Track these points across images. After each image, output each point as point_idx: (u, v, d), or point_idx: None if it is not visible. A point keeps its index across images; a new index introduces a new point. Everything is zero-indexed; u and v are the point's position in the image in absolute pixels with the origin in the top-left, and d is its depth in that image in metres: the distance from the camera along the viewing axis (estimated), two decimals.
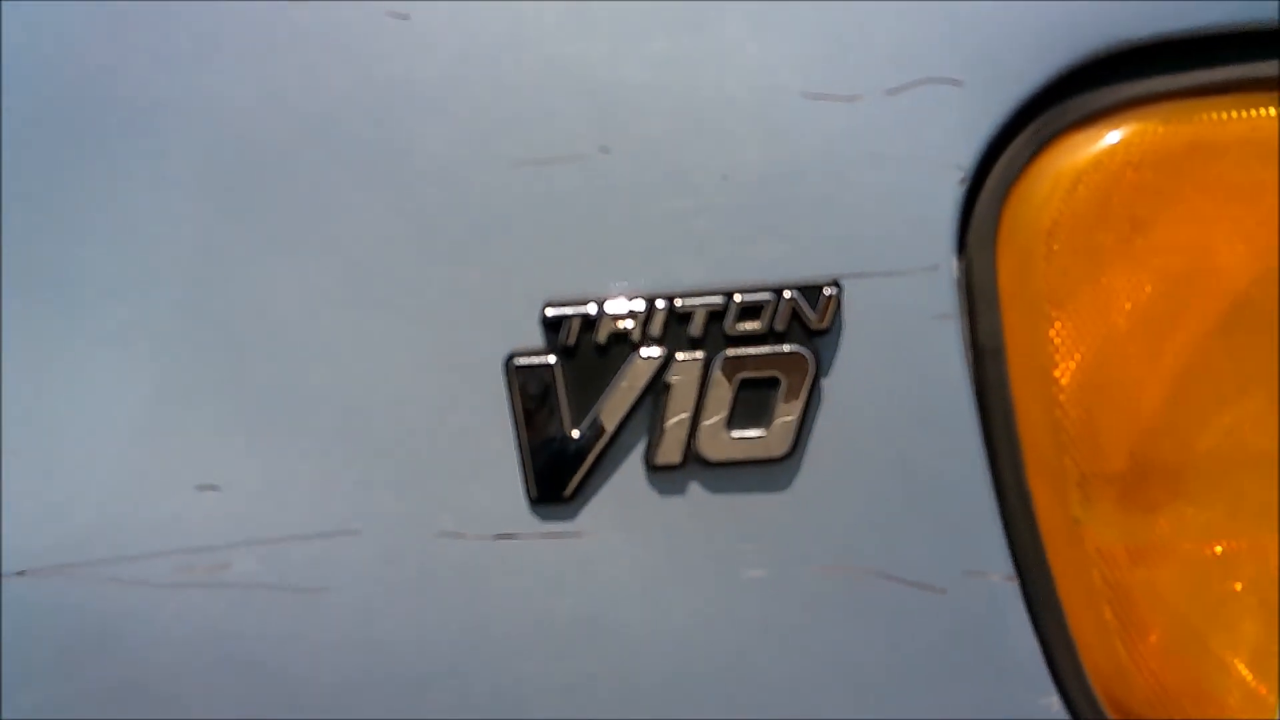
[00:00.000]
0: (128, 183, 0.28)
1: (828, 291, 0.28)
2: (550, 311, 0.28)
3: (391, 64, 0.28)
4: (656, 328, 0.28)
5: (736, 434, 0.29)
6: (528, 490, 0.29)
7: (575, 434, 0.28)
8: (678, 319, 0.28)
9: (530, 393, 0.28)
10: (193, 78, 0.28)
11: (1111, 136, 0.28)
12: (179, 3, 0.28)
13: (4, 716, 0.28)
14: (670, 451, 0.29)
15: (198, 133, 0.28)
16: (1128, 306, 0.29)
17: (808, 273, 0.28)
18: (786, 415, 0.28)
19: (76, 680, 0.28)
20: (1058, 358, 0.29)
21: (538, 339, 0.28)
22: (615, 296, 0.28)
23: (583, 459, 0.28)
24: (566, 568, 0.29)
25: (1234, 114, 0.28)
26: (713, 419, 0.28)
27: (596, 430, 0.28)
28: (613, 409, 0.28)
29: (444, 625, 0.29)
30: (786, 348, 0.28)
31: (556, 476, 0.28)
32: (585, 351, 0.28)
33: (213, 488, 0.28)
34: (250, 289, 0.28)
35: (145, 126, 0.28)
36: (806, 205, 0.28)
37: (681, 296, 0.28)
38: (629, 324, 0.28)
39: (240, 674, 0.28)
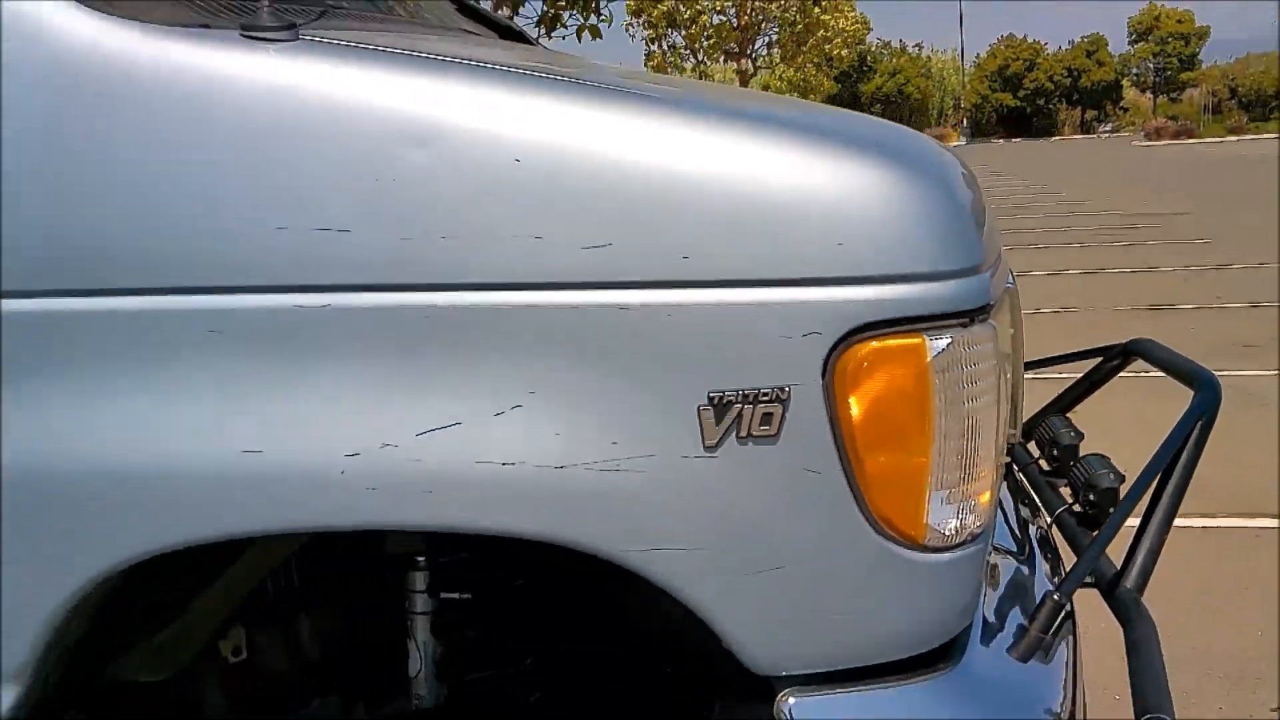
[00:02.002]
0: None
1: (785, 390, 0.98)
2: (710, 392, 0.99)
3: None
4: (740, 396, 0.99)
5: (760, 429, 0.99)
6: (703, 441, 0.99)
7: (719, 425, 0.99)
8: (745, 396, 0.99)
9: (709, 408, 0.98)
10: None
11: (864, 347, 0.99)
12: None
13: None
14: (745, 430, 0.99)
15: None
16: (877, 393, 0.99)
17: (781, 382, 0.99)
18: (776, 424, 0.99)
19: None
20: (856, 411, 0.99)
21: (697, 397, 0.99)
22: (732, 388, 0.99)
23: (720, 431, 0.99)
24: (714, 467, 1.00)
25: (901, 341, 0.99)
26: (754, 422, 0.99)
27: (726, 425, 0.99)
28: (727, 422, 0.99)
29: (687, 483, 0.99)
30: (776, 405, 0.98)
31: (710, 437, 0.99)
32: (722, 401, 0.98)
33: (614, 443, 0.99)
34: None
35: None
36: (788, 369, 0.99)
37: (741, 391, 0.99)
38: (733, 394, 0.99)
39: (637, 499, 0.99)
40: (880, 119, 1.45)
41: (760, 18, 21.58)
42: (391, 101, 1.00)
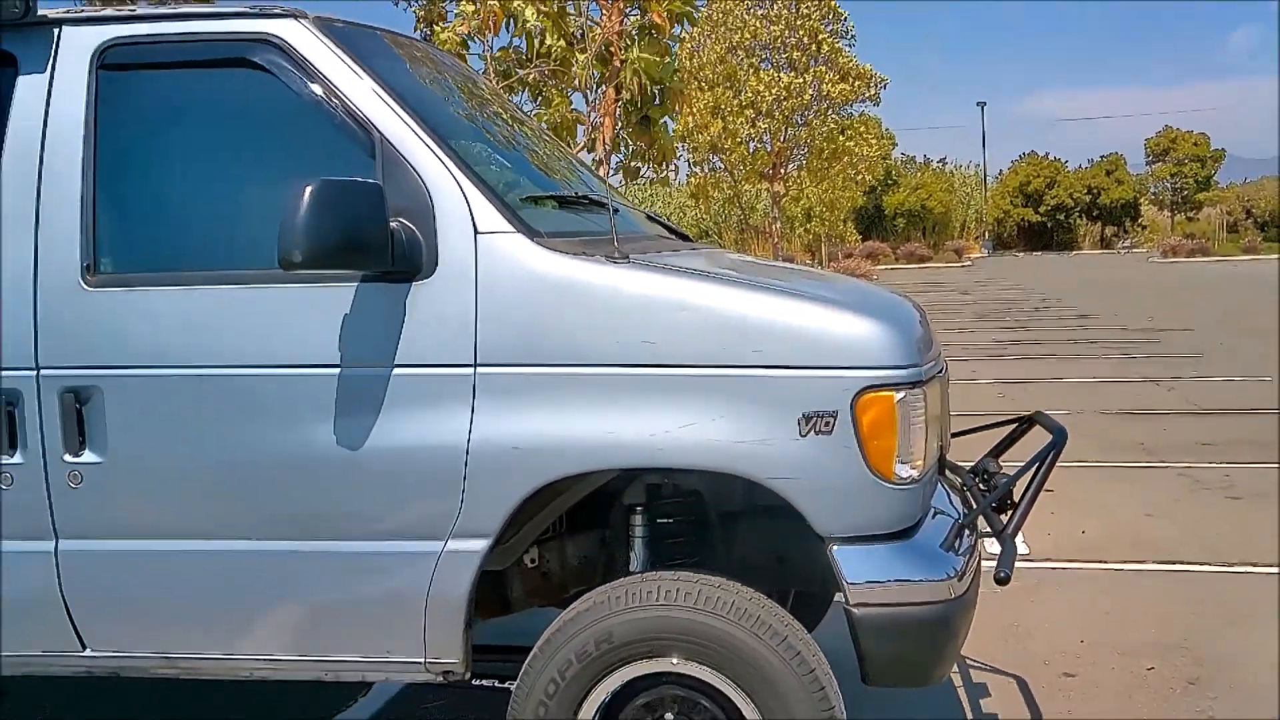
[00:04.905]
0: None
1: (835, 412, 2.33)
2: (804, 411, 2.34)
3: None
4: (816, 414, 2.36)
5: (824, 429, 2.35)
6: (799, 433, 2.34)
7: (807, 426, 2.35)
8: (818, 414, 2.35)
9: (803, 418, 2.35)
10: None
11: (868, 395, 2.34)
12: None
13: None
14: (818, 430, 2.34)
15: None
16: (873, 416, 2.35)
17: (833, 409, 2.35)
18: (831, 427, 2.33)
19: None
20: (865, 423, 2.35)
21: (797, 413, 2.36)
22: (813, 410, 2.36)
23: (808, 429, 2.34)
24: (804, 444, 2.35)
25: (883, 394, 2.36)
26: (821, 425, 2.35)
27: (809, 426, 2.33)
28: (810, 425, 2.35)
29: (792, 452, 2.35)
30: (832, 418, 2.33)
31: (802, 432, 2.35)
32: (807, 416, 2.34)
33: (759, 432, 2.36)
34: None
35: None
36: (836, 403, 2.36)
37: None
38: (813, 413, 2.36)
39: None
40: (880, 289, 2.87)
41: (792, 145, 23.52)
42: (669, 290, 2.41)
